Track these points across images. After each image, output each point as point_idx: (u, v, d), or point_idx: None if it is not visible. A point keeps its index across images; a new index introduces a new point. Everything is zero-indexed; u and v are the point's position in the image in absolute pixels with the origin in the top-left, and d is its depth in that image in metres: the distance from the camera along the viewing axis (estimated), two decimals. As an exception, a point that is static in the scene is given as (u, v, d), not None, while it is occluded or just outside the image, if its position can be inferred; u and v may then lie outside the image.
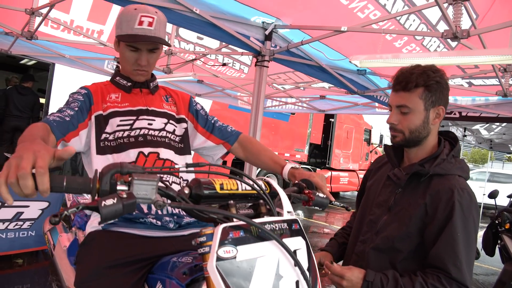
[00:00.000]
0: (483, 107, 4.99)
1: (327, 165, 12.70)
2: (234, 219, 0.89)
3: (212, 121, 1.80)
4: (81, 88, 1.61)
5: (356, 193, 14.45)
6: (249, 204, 1.07)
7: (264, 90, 3.50)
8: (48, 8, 3.37)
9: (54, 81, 6.34)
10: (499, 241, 3.93)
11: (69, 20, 4.45)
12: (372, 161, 1.92)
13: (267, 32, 3.37)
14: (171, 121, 1.66)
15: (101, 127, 1.52)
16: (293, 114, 10.76)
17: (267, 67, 3.47)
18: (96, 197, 0.84)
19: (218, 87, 6.32)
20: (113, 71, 5.76)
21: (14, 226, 3.96)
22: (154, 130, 1.59)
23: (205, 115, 1.81)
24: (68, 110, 1.44)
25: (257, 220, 0.92)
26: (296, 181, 1.30)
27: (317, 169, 12.18)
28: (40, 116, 6.79)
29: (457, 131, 7.82)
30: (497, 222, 3.84)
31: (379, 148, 15.19)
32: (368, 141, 14.57)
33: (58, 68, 6.23)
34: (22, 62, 7.13)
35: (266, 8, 3.17)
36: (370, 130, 14.70)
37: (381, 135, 15.78)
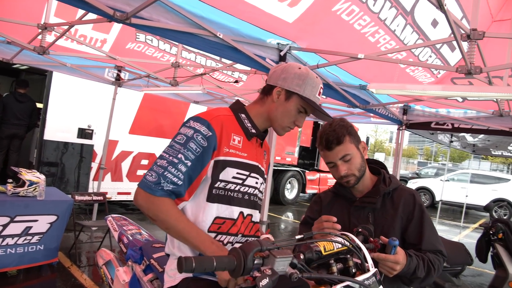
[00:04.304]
0: (474, 120, 5.23)
1: (315, 167, 12.91)
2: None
3: None
4: (204, 125, 1.46)
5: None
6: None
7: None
8: (67, 26, 3.37)
9: (52, 87, 6.25)
10: (491, 249, 4.18)
11: (73, 29, 4.45)
12: (314, 200, 2.01)
13: (282, 53, 3.47)
14: (264, 181, 1.71)
15: (217, 173, 1.48)
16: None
17: (280, 86, 3.57)
18: (241, 273, 0.95)
19: (218, 95, 6.38)
20: (113, 79, 5.77)
21: (23, 241, 3.96)
22: (256, 189, 1.62)
23: None
24: (182, 166, 1.39)
25: (360, 278, 1.11)
26: (359, 229, 1.41)
27: (306, 170, 12.34)
28: (38, 123, 6.70)
29: (445, 137, 8.13)
30: (491, 232, 4.08)
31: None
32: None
33: (56, 74, 6.16)
34: (15, 66, 7.01)
35: (283, 32, 3.27)
36: (356, 132, 14.93)
37: (367, 137, 16.14)
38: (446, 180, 12.97)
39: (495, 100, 4.49)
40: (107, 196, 6.46)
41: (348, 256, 1.19)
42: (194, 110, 7.87)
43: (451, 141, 8.41)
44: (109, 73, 5.68)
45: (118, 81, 5.64)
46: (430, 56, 3.88)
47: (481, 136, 7.96)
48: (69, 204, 4.27)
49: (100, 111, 6.65)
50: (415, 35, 3.45)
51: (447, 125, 5.66)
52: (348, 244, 1.16)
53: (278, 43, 3.47)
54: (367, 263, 1.17)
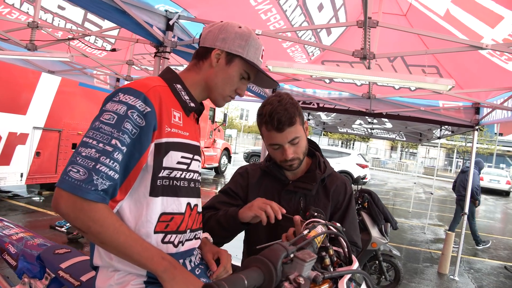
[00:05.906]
0: (337, 100, 5.76)
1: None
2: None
3: None
4: (139, 98, 1.14)
5: (203, 170, 14.64)
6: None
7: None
8: None
9: None
10: (358, 217, 4.71)
11: None
12: (240, 173, 1.84)
13: (170, 22, 3.18)
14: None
15: (160, 159, 1.20)
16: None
17: (168, 59, 3.28)
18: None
19: (77, 65, 5.60)
20: None
21: None
22: (198, 174, 1.39)
23: None
24: (119, 155, 1.07)
25: (354, 267, 1.08)
26: (315, 213, 1.31)
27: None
28: None
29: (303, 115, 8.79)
30: (359, 201, 4.57)
31: (222, 126, 15.83)
32: (212, 119, 14.90)
33: None
34: None
35: (174, -3, 2.99)
36: (214, 109, 15.08)
37: (224, 113, 16.45)
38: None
39: (358, 84, 4.99)
40: None
41: (328, 244, 1.10)
42: (47, 80, 6.79)
43: (308, 119, 9.15)
44: None
45: None
46: (310, 39, 4.07)
47: (333, 115, 8.86)
48: None
49: None
50: (302, 17, 3.55)
51: (313, 105, 6.10)
52: (336, 231, 1.08)
53: (166, 10, 3.17)
54: (347, 248, 1.11)
